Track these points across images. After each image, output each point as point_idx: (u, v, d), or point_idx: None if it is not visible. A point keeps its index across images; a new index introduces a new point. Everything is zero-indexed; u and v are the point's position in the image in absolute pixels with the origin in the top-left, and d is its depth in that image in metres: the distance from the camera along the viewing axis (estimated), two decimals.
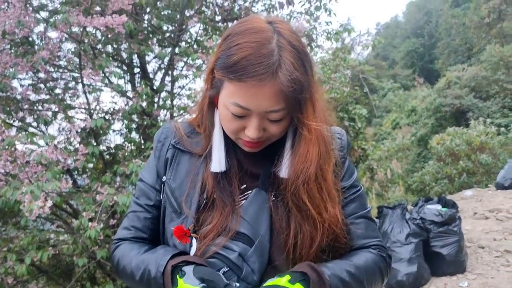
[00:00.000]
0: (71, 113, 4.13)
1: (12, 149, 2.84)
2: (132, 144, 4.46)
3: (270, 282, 0.82)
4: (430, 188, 11.21)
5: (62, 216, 4.51)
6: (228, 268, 0.87)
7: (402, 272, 3.67)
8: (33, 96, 4.91)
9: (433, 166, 12.17)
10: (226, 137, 0.96)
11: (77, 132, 3.33)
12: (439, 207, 4.12)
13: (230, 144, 0.97)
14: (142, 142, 4.41)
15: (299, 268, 0.85)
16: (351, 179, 1.03)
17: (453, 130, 11.95)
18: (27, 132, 3.13)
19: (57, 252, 3.77)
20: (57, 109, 4.16)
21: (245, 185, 0.96)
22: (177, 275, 0.82)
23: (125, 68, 4.72)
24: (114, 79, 4.29)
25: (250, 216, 0.91)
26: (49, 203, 2.45)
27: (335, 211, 0.92)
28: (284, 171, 0.92)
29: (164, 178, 1.00)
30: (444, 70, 23.03)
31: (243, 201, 0.94)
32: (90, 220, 2.87)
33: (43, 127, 4.32)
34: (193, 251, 0.90)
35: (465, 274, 3.91)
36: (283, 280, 0.81)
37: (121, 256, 0.97)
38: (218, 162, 0.94)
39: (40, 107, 4.41)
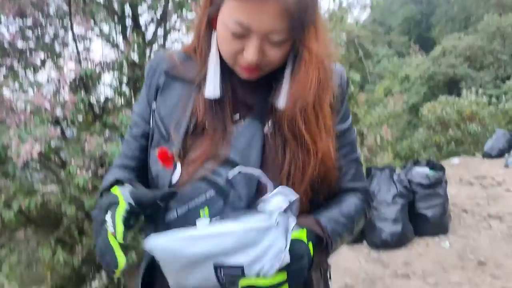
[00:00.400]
0: (60, 62, 4.04)
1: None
2: (123, 97, 4.39)
3: (295, 234, 0.80)
4: (418, 155, 11.33)
5: (51, 166, 4.49)
6: (215, 192, 0.85)
7: (386, 232, 3.75)
8: (21, 44, 4.81)
9: (422, 134, 12.27)
10: (222, 63, 0.91)
11: (65, 80, 3.25)
12: (427, 170, 4.17)
13: (226, 71, 0.92)
14: (133, 95, 4.35)
15: (309, 224, 0.85)
16: (347, 122, 1.01)
17: (445, 99, 11.98)
18: (15, 77, 3.05)
19: (45, 200, 3.77)
20: (45, 58, 4.06)
21: (238, 115, 0.93)
22: (116, 186, 0.85)
23: (116, 19, 4.59)
24: (105, 28, 4.18)
25: (241, 144, 0.88)
26: (37, 148, 2.42)
27: (329, 143, 0.91)
28: (281, 101, 0.89)
29: (154, 106, 0.97)
30: (441, 39, 22.84)
31: (235, 130, 0.91)
32: (78, 168, 2.85)
33: (31, 77, 4.24)
34: (176, 176, 0.87)
35: (447, 236, 4.01)
36: (303, 234, 0.81)
37: (104, 178, 1.00)
38: (212, 88, 0.90)
39: (28, 55, 4.31)
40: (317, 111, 0.89)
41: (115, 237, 0.76)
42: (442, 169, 4.25)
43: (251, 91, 0.93)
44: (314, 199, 0.94)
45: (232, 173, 0.83)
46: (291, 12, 0.78)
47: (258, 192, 0.89)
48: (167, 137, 0.91)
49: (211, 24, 0.91)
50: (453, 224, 4.21)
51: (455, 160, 7.83)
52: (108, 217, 0.77)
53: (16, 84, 3.36)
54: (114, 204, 0.79)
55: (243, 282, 0.74)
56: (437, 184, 3.99)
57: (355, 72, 10.46)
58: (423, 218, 3.95)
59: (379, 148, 13.71)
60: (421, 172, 4.10)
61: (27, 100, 2.75)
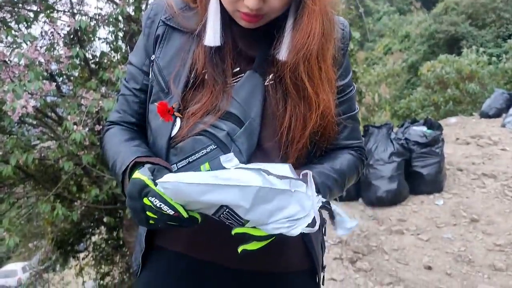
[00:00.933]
0: (54, 15, 3.94)
1: None
2: (119, 52, 4.31)
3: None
4: (416, 115, 11.32)
5: (48, 123, 4.47)
6: (216, 146, 0.83)
7: (382, 189, 3.80)
8: None
9: (420, 93, 12.21)
10: (222, 12, 0.88)
11: (59, 34, 3.17)
12: (424, 128, 4.18)
13: (226, 20, 0.89)
14: (129, 50, 4.27)
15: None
16: (348, 78, 0.98)
17: (445, 58, 11.85)
18: (6, 28, 2.97)
19: (43, 156, 3.78)
20: (38, 10, 3.96)
21: (238, 68, 0.90)
22: (137, 169, 0.80)
23: None
24: None
25: (242, 97, 0.86)
26: (32, 102, 2.39)
27: (329, 96, 0.89)
28: (283, 53, 0.86)
29: (152, 57, 0.92)
30: None
31: (235, 83, 0.88)
32: (75, 124, 2.83)
33: (24, 30, 4.14)
34: (175, 130, 0.86)
35: (441, 194, 4.06)
36: None
37: (107, 140, 0.95)
38: (212, 36, 0.86)
39: (22, 8, 4.20)
40: (320, 62, 0.86)
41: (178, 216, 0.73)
42: (439, 128, 4.25)
43: (251, 43, 0.90)
44: (311, 154, 0.94)
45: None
46: None
47: (258, 146, 0.88)
48: (167, 89, 0.89)
49: None
50: (448, 183, 4.26)
51: (452, 119, 7.83)
52: (157, 203, 0.72)
53: (9, 38, 3.29)
54: (144, 188, 0.74)
55: (237, 230, 0.74)
56: (433, 143, 4.01)
57: (355, 30, 10.30)
58: (418, 176, 3.99)
59: (377, 106, 13.70)
60: (418, 131, 4.10)
61: (20, 53, 2.68)
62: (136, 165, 0.83)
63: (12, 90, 2.39)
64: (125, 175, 0.84)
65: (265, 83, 0.89)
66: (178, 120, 0.86)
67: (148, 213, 0.74)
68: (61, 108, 3.69)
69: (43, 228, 5.77)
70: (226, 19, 0.88)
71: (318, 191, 0.84)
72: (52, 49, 3.92)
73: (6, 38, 2.80)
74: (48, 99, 3.71)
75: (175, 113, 0.86)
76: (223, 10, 0.87)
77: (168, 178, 0.71)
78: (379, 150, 3.89)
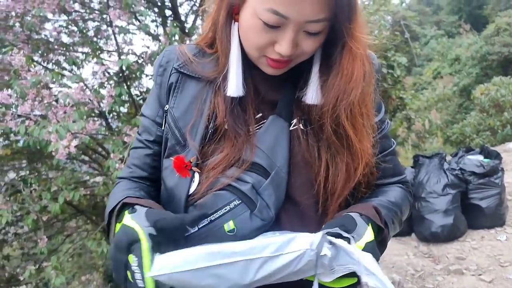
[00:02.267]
0: (103, 56, 4.09)
1: (42, 89, 2.81)
2: None
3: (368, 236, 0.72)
4: (471, 140, 10.80)
5: (98, 159, 4.59)
6: (240, 201, 0.76)
7: (437, 224, 3.55)
8: (66, 39, 4.93)
9: (475, 118, 11.68)
10: (243, 58, 0.82)
11: (104, 73, 3.26)
12: (480, 157, 3.91)
13: (246, 66, 0.83)
14: None
15: (371, 214, 0.78)
16: (382, 113, 0.92)
17: (499, 80, 11.33)
18: (53, 71, 3.08)
19: (89, 193, 3.85)
20: (88, 51, 4.13)
21: (261, 114, 0.83)
22: (126, 211, 0.72)
23: (156, 10, 4.59)
24: (145, 21, 4.17)
25: (266, 145, 0.79)
26: (74, 142, 2.42)
27: (371, 141, 0.82)
28: (312, 96, 0.80)
29: (166, 107, 0.87)
30: (494, 16, 21.57)
31: (258, 130, 0.82)
32: (121, 160, 2.86)
33: (77, 71, 4.32)
34: (194, 186, 0.79)
35: (504, 228, 3.75)
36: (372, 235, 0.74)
37: (112, 193, 0.90)
38: (235, 86, 0.81)
39: (72, 50, 4.40)
40: (362, 107, 0.80)
41: None
42: (497, 156, 3.96)
43: (273, 87, 0.85)
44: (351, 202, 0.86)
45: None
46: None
47: (290, 200, 0.80)
48: (183, 142, 0.83)
49: (231, 15, 0.81)
50: (510, 216, 3.93)
51: (510, 144, 7.37)
52: (134, 265, 0.64)
53: (61, 79, 3.42)
54: (134, 242, 0.66)
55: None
56: (492, 173, 3.72)
57: (401, 55, 10.08)
58: (477, 209, 3.71)
59: (427, 133, 13.22)
60: (474, 160, 3.83)
61: (66, 95, 2.75)
62: (126, 205, 0.75)
63: (56, 131, 2.43)
64: (111, 216, 0.77)
65: (291, 128, 0.82)
66: (197, 176, 0.79)
67: (128, 272, 0.65)
68: (106, 143, 3.77)
69: (95, 261, 5.88)
70: (247, 65, 0.83)
71: (385, 224, 0.80)
72: (101, 88, 4.07)
73: (52, 80, 2.89)
74: (99, 135, 3.82)
75: (193, 168, 0.79)
76: (244, 56, 0.82)
77: (160, 266, 0.64)
78: (432, 181, 3.66)
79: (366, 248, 0.69)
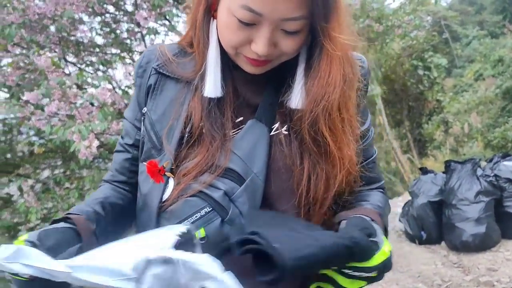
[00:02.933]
0: (135, 57, 4.16)
1: (67, 89, 2.87)
2: None
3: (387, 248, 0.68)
4: None
5: None
6: (211, 208, 0.72)
7: (468, 233, 3.39)
8: (101, 40, 5.05)
9: None
10: (223, 57, 0.78)
11: (131, 74, 3.31)
12: None
13: (226, 66, 0.79)
14: None
15: (374, 217, 0.76)
16: (368, 121, 0.88)
17: None
18: (78, 73, 3.15)
19: None
20: (118, 52, 4.21)
21: (241, 118, 0.79)
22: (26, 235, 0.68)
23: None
24: (174, 21, 4.21)
25: (243, 151, 0.75)
26: (96, 143, 2.45)
27: (353, 148, 0.77)
28: (296, 100, 0.76)
29: (144, 110, 0.83)
30: None
31: (236, 135, 0.78)
32: None
33: (111, 72, 4.42)
34: (168, 192, 0.76)
35: None
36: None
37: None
38: (213, 85, 0.77)
39: (104, 51, 4.51)
40: (343, 113, 0.75)
41: None
42: None
43: (256, 90, 0.80)
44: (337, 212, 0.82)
45: None
46: None
47: (264, 205, 0.76)
48: (159, 146, 0.79)
49: (209, 11, 0.77)
50: None
51: None
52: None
53: (89, 80, 3.50)
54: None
55: None
56: None
57: (441, 56, 9.78)
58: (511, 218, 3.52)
59: (466, 137, 12.75)
60: (510, 166, 3.64)
61: (91, 95, 2.80)
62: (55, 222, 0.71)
63: (78, 131, 2.47)
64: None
65: (271, 133, 0.77)
66: (171, 181, 0.76)
67: None
68: None
69: None
70: (227, 65, 0.79)
71: (385, 230, 0.80)
72: (129, 89, 4.13)
73: (78, 81, 2.95)
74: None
75: (166, 173, 0.76)
76: (223, 55, 0.78)
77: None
78: (463, 188, 3.50)
79: (390, 257, 0.67)
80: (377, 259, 0.65)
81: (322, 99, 0.73)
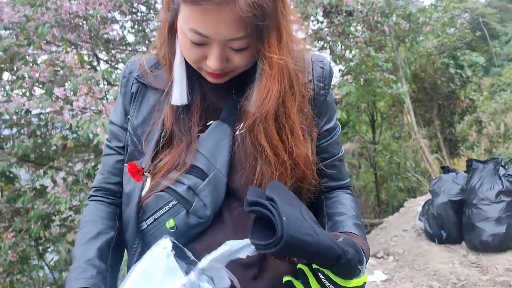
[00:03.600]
0: None
1: (93, 85, 3.02)
2: None
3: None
4: None
5: None
6: (177, 202, 0.83)
7: (487, 232, 3.35)
8: (132, 39, 5.23)
9: None
10: (189, 68, 0.87)
11: None
12: None
13: (194, 75, 0.88)
14: None
15: (363, 246, 0.82)
16: (333, 121, 0.95)
17: None
18: (104, 70, 3.30)
19: None
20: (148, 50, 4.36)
21: (208, 120, 0.89)
22: None
23: None
24: None
25: (207, 149, 0.85)
26: None
27: (302, 151, 0.84)
28: (251, 104, 0.83)
29: (129, 116, 0.93)
30: None
31: (202, 135, 0.87)
32: None
33: None
34: (145, 190, 0.86)
35: None
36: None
37: (81, 222, 0.95)
38: (179, 95, 0.86)
39: (137, 48, 4.68)
40: (282, 121, 0.83)
41: None
42: None
43: (221, 95, 0.89)
44: None
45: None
46: (247, 20, 0.72)
47: (229, 197, 0.85)
48: (141, 148, 0.89)
49: (173, 28, 0.85)
50: None
51: None
52: None
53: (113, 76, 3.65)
54: None
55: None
56: None
57: (478, 55, 9.52)
58: None
59: (502, 137, 12.36)
60: None
61: (115, 91, 2.94)
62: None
63: (102, 125, 2.61)
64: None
65: (236, 133, 0.86)
66: (149, 180, 0.86)
67: None
68: None
69: None
70: (194, 75, 0.87)
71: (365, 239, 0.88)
72: None
73: (105, 76, 3.09)
74: None
75: (144, 173, 0.86)
76: (190, 67, 0.86)
77: None
78: (485, 188, 3.45)
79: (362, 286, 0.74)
80: (353, 283, 0.72)
81: (258, 110, 0.80)
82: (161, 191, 0.84)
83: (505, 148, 12.33)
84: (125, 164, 0.91)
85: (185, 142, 0.85)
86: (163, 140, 0.87)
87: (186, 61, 0.85)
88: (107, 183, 0.96)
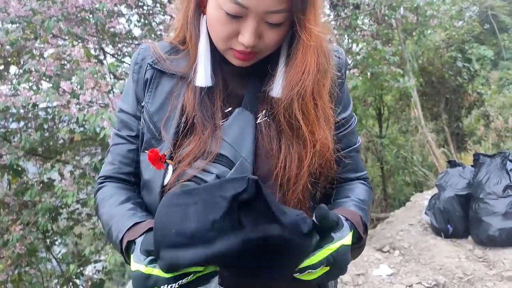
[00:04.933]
0: None
1: (100, 79, 3.02)
2: None
3: (346, 239, 0.74)
4: None
5: None
6: None
7: (494, 227, 3.33)
8: (138, 32, 5.24)
9: None
10: (213, 51, 0.87)
11: None
12: None
13: (216, 60, 0.88)
14: None
15: (356, 221, 0.82)
16: (349, 110, 0.95)
17: None
18: (111, 63, 3.31)
19: None
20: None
21: (230, 108, 0.87)
22: (130, 251, 0.76)
23: None
24: None
25: (231, 137, 0.84)
26: None
27: (327, 134, 0.84)
28: (277, 89, 0.84)
29: (143, 103, 0.91)
30: None
31: (224, 123, 0.86)
32: None
33: None
34: (167, 178, 0.84)
35: None
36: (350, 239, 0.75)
37: (101, 200, 0.92)
38: (204, 75, 0.85)
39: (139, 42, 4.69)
40: (316, 99, 0.83)
41: None
42: None
43: (242, 82, 0.89)
44: (315, 195, 0.90)
45: None
46: None
47: None
48: (158, 136, 0.87)
49: (199, 7, 0.86)
50: None
51: None
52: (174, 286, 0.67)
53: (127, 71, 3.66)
54: (148, 279, 0.68)
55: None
56: None
57: (487, 48, 9.42)
58: None
59: (510, 132, 12.27)
60: None
61: (122, 85, 2.95)
62: (130, 245, 0.78)
63: (109, 118, 2.62)
64: (122, 245, 0.80)
65: (258, 121, 0.86)
66: (170, 168, 0.84)
67: None
68: None
69: None
70: (217, 59, 0.87)
71: (365, 229, 0.85)
72: None
73: (112, 70, 3.10)
74: None
75: (167, 160, 0.84)
76: (213, 49, 0.86)
77: None
78: (492, 182, 3.43)
79: (340, 250, 0.72)
80: (319, 256, 0.70)
81: (297, 85, 0.80)
82: (187, 180, 0.82)
83: None
84: (144, 151, 0.88)
85: (210, 128, 0.84)
86: (184, 127, 0.85)
87: (210, 44, 0.85)
88: (119, 173, 0.93)
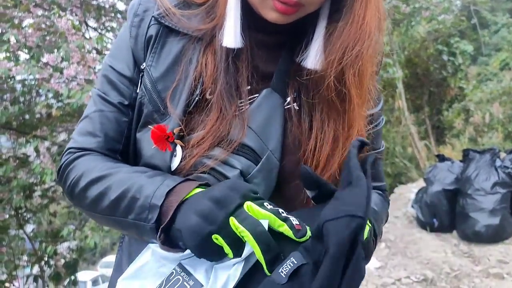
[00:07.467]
0: None
1: (86, 53, 2.85)
2: None
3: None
4: None
5: None
6: None
7: (481, 223, 3.35)
8: (122, 6, 5.02)
9: None
10: (243, 8, 0.69)
11: None
12: None
13: (244, 22, 0.69)
14: None
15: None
16: (380, 105, 0.80)
17: None
18: (97, 37, 3.13)
19: None
20: None
21: (249, 86, 0.70)
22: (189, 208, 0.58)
23: None
24: None
25: (257, 124, 0.67)
26: None
27: (362, 121, 0.71)
28: (314, 59, 0.67)
29: (143, 66, 0.71)
30: None
31: (249, 105, 0.69)
32: None
33: None
34: (175, 163, 0.67)
35: None
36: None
37: (87, 169, 0.69)
38: (233, 35, 0.67)
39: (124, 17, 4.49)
40: (371, 67, 0.69)
41: None
42: None
43: (272, 56, 0.72)
44: None
45: None
46: None
47: (278, 186, 0.70)
48: (162, 109, 0.69)
49: None
50: None
51: None
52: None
53: (109, 45, 3.47)
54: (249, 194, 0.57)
55: None
56: None
57: (468, 43, 9.50)
58: None
59: (487, 127, 12.52)
60: None
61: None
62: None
63: None
64: (162, 209, 0.60)
65: (286, 106, 0.71)
66: (179, 150, 0.67)
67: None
68: None
69: None
70: (245, 21, 0.70)
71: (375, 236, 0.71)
72: None
73: (98, 45, 2.93)
74: None
75: (175, 140, 0.67)
76: (242, 7, 0.69)
77: None
78: (480, 178, 3.44)
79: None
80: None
81: (356, 45, 0.64)
82: (203, 172, 0.66)
83: (488, 138, 12.52)
84: (143, 127, 0.70)
85: (233, 108, 0.67)
86: (197, 98, 0.68)
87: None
88: (104, 149, 0.72)
